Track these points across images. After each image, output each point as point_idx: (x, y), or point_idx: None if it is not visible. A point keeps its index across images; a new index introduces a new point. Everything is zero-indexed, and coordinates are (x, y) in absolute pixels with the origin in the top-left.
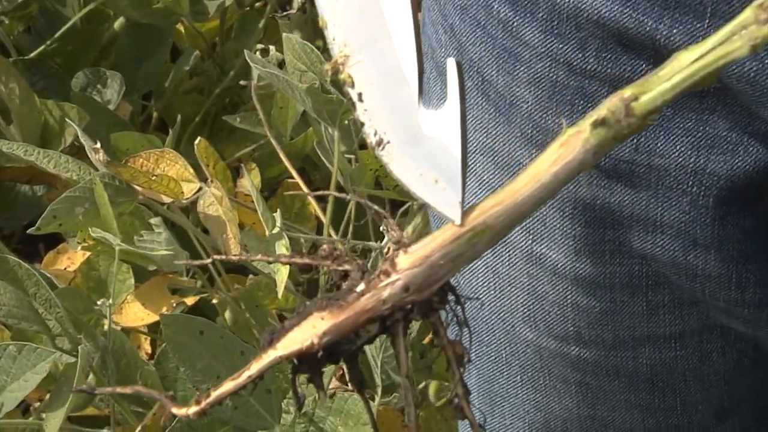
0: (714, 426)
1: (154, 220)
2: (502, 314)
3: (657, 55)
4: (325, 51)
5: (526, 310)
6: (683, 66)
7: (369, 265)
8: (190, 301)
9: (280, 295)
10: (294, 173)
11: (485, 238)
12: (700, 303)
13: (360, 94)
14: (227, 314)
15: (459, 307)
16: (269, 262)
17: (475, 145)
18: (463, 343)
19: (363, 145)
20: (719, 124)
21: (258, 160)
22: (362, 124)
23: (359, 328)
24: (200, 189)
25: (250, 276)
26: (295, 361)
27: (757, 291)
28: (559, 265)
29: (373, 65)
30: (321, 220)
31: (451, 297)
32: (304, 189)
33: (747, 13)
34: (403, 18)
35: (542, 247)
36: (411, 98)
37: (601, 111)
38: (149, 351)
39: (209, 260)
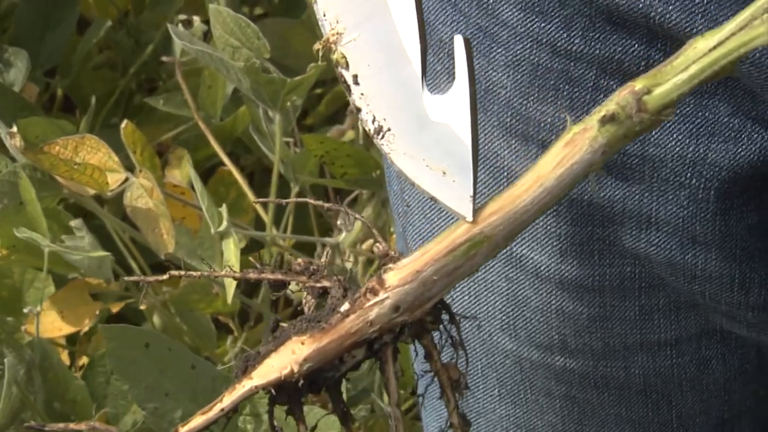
0: None
1: (74, 222)
2: (477, 322)
3: (651, 34)
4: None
5: (504, 317)
6: (700, 54)
7: (348, 279)
8: (115, 308)
9: (229, 300)
10: (226, 160)
11: (483, 250)
12: (698, 306)
13: (355, 76)
14: (155, 319)
15: (454, 326)
16: (235, 278)
17: None
18: (458, 366)
19: (309, 128)
20: (720, 109)
21: (182, 144)
22: (358, 110)
23: (344, 353)
24: (127, 179)
25: (183, 278)
26: (273, 391)
27: (762, 292)
28: (542, 268)
29: (369, 43)
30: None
31: (445, 316)
32: (239, 177)
33: None
34: None
35: (523, 248)
36: (413, 79)
37: (610, 106)
38: (68, 363)
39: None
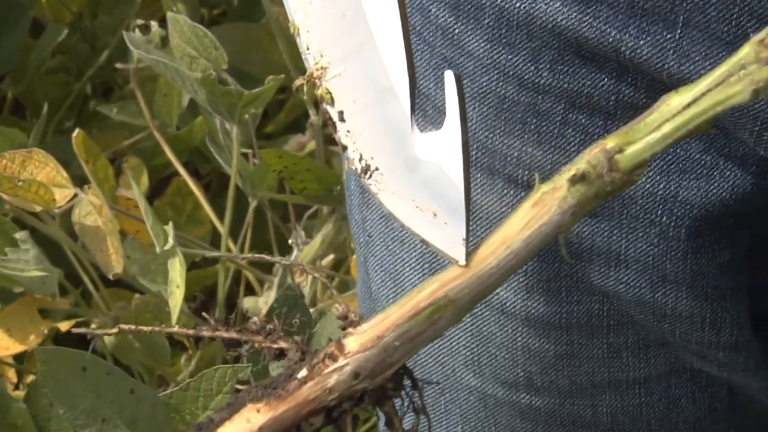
0: None
1: (19, 235)
2: (440, 357)
3: (621, 68)
4: (211, 24)
5: (468, 353)
6: (674, 112)
7: (307, 341)
8: (64, 326)
9: (174, 320)
10: (182, 171)
11: (447, 314)
12: (668, 344)
13: (341, 113)
14: (107, 337)
15: (416, 392)
16: (188, 336)
17: None
18: None
19: (269, 135)
20: (692, 145)
21: (139, 152)
22: (345, 148)
23: (301, 421)
24: (75, 196)
25: (136, 295)
26: None
27: (733, 332)
28: (507, 304)
29: (355, 78)
30: (214, 223)
31: (407, 381)
32: (195, 189)
33: (746, 50)
34: (389, 21)
35: None
36: (402, 116)
37: (580, 165)
38: (15, 381)
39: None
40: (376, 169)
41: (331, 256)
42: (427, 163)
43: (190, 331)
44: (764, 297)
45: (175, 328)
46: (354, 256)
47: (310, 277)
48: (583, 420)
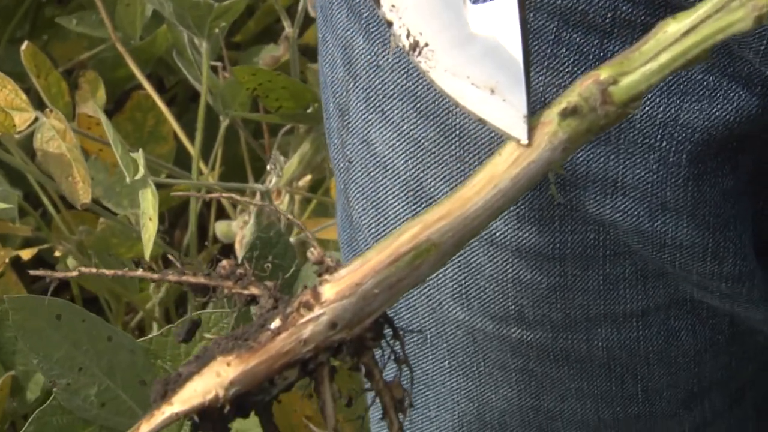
0: (681, 415)
1: None
2: (426, 290)
3: None
4: None
5: (456, 286)
6: (671, 40)
7: (278, 286)
8: (26, 254)
9: (147, 256)
10: (146, 83)
11: (430, 259)
12: (667, 275)
13: None
14: (70, 262)
15: (397, 342)
16: (153, 281)
17: (393, 88)
18: (402, 384)
19: (238, 45)
20: None
21: (99, 64)
22: (390, 24)
23: (275, 374)
24: (36, 120)
25: (101, 219)
26: (196, 417)
27: (737, 262)
28: (497, 234)
29: None
30: (180, 140)
31: (387, 330)
32: (159, 102)
33: None
34: None
35: None
36: None
37: (572, 97)
38: None
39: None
40: (426, 45)
41: (309, 177)
42: (482, 36)
43: (155, 276)
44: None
45: (138, 272)
46: (333, 178)
47: (287, 198)
48: (578, 355)
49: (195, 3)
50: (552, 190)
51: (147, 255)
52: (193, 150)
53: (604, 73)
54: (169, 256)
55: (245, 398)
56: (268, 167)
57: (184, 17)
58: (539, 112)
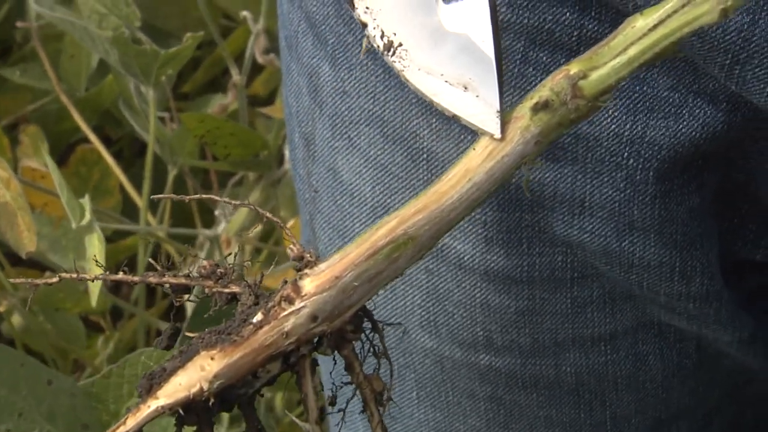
0: None
1: None
2: (394, 319)
3: (583, 1)
4: None
5: (424, 313)
6: (639, 34)
7: (259, 283)
8: None
9: (94, 303)
10: (92, 136)
11: (408, 252)
12: (635, 297)
13: None
14: (15, 319)
15: (377, 335)
16: (134, 283)
17: (359, 113)
18: (381, 377)
19: (185, 96)
20: (659, 82)
21: (43, 117)
22: (364, 25)
23: (258, 367)
24: None
25: (47, 273)
26: (181, 411)
27: (704, 281)
28: (465, 258)
29: None
30: (127, 193)
31: (367, 324)
32: (105, 154)
33: None
34: None
35: (445, 236)
36: None
37: (543, 92)
38: None
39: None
40: (400, 44)
41: (259, 227)
42: (455, 34)
43: (136, 278)
44: (735, 244)
45: (119, 275)
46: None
47: (236, 249)
48: (546, 381)
49: (141, 50)
50: (524, 190)
51: (93, 302)
52: (140, 201)
53: (574, 67)
54: (117, 298)
55: (229, 391)
56: (216, 213)
57: (130, 65)
58: (512, 108)
